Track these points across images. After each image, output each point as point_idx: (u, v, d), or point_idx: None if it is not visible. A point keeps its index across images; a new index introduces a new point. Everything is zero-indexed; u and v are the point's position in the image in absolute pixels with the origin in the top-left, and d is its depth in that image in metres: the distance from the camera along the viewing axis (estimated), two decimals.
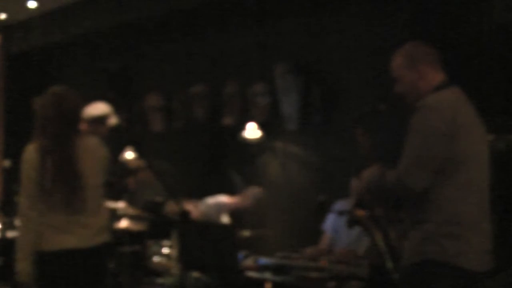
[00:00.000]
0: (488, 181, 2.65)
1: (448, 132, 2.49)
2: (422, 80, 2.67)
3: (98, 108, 4.94)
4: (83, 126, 4.93)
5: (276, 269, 4.00)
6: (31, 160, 3.14)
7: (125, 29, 7.00)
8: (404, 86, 2.71)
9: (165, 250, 4.63)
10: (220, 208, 5.06)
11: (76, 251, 3.09)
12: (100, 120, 4.88)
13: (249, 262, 4.19)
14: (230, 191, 5.26)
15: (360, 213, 3.06)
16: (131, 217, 5.03)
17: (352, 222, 3.15)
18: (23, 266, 3.13)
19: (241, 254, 4.22)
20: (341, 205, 4.47)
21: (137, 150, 5.90)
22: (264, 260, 4.19)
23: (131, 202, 5.13)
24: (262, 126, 5.70)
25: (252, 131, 5.68)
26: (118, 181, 5.07)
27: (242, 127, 5.74)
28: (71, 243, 3.09)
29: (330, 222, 4.63)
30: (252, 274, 4.03)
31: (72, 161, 3.16)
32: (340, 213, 4.11)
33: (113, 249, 3.36)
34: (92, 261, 3.16)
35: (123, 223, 4.98)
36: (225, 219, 5.05)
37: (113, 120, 4.95)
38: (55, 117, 3.23)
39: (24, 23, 8.04)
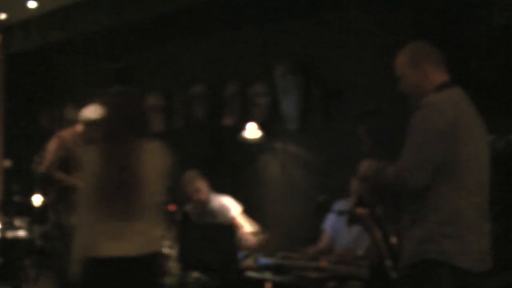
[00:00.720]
0: (488, 181, 2.65)
1: (449, 131, 2.49)
2: (425, 80, 2.68)
3: (94, 112, 4.93)
4: (79, 129, 4.95)
5: (276, 269, 4.00)
6: (93, 163, 2.97)
7: (125, 29, 7.00)
8: (407, 85, 2.72)
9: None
10: (226, 212, 5.05)
11: (129, 259, 2.93)
12: (96, 123, 4.88)
13: (249, 262, 4.19)
14: (230, 191, 5.26)
15: (360, 211, 3.06)
16: None
17: (352, 220, 3.15)
18: (77, 268, 2.93)
19: (241, 254, 4.22)
20: (340, 205, 4.47)
21: None
22: (264, 260, 4.19)
23: None
24: (262, 126, 5.70)
25: (252, 131, 5.68)
26: None
27: (242, 127, 5.74)
28: (125, 251, 2.92)
29: (330, 221, 4.64)
30: (252, 274, 4.03)
31: (135, 166, 2.98)
32: (340, 212, 4.11)
33: (162, 258, 3.22)
34: (143, 270, 2.99)
35: None
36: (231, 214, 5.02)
37: None
38: (117, 119, 3.05)
39: (24, 23, 8.04)
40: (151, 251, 3.00)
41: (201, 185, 5.02)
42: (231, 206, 5.05)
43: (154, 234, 3.04)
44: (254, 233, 4.80)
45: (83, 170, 3.01)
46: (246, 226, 4.93)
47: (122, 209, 2.94)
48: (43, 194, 5.48)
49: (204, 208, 5.03)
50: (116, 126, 3.04)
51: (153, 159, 3.05)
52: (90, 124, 4.89)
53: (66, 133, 4.95)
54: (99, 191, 2.94)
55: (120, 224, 2.93)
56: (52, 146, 4.86)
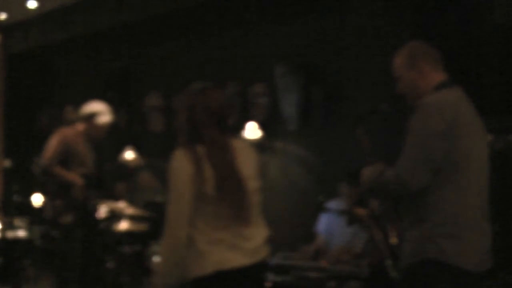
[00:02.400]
0: (487, 181, 2.65)
1: (448, 131, 2.49)
2: (423, 80, 2.67)
3: (91, 106, 4.95)
4: (79, 127, 4.96)
5: (276, 269, 4.01)
6: (185, 169, 2.61)
7: (125, 29, 7.00)
8: (405, 85, 2.72)
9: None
10: None
11: (242, 269, 2.62)
12: (93, 117, 4.89)
13: None
14: None
15: (360, 211, 3.06)
16: (131, 217, 5.04)
17: (352, 220, 3.15)
18: (160, 282, 2.66)
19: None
20: (332, 204, 4.47)
21: (137, 150, 5.91)
22: None
23: (131, 202, 5.14)
24: (262, 126, 5.70)
25: (252, 131, 5.68)
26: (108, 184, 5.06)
27: (242, 127, 5.74)
28: (238, 261, 2.61)
29: (323, 223, 4.63)
30: None
31: (234, 166, 2.69)
32: (337, 212, 4.12)
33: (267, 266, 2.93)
34: (255, 278, 2.71)
35: (123, 224, 4.99)
36: None
37: (107, 118, 4.95)
38: (207, 118, 2.74)
39: (24, 23, 8.04)
40: (260, 258, 2.72)
41: None
42: None
43: (262, 238, 2.75)
44: None
45: (176, 176, 2.65)
46: None
47: (231, 214, 2.64)
48: (43, 190, 5.48)
49: None
50: (205, 125, 2.74)
51: (246, 156, 2.80)
52: (88, 118, 4.90)
53: (67, 131, 4.96)
54: (200, 197, 2.62)
55: (230, 231, 2.64)
56: (53, 141, 4.87)
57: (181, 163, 2.64)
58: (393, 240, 2.95)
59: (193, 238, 2.61)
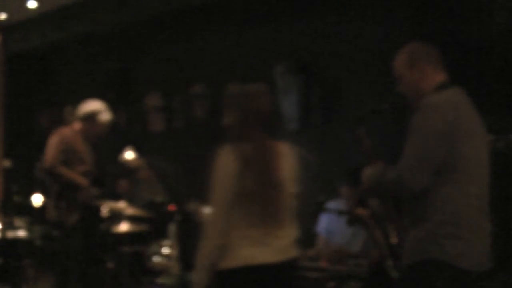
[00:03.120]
0: (488, 181, 2.65)
1: (449, 132, 2.50)
2: (423, 80, 2.68)
3: (89, 105, 4.95)
4: (77, 126, 4.96)
5: None
6: (231, 166, 2.71)
7: (125, 29, 7.00)
8: (406, 85, 2.72)
9: (165, 250, 4.63)
10: None
11: (271, 266, 2.72)
12: (92, 116, 4.89)
13: None
14: None
15: (361, 211, 3.06)
16: (131, 217, 5.04)
17: (353, 220, 3.15)
18: (200, 276, 2.73)
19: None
20: (332, 205, 4.47)
21: (137, 150, 5.91)
22: None
23: (131, 202, 5.14)
24: None
25: None
26: (110, 182, 5.06)
27: None
28: (267, 258, 2.71)
29: (323, 223, 4.64)
30: None
31: (275, 168, 2.81)
32: (337, 212, 4.12)
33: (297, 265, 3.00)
34: (283, 277, 2.79)
35: (124, 224, 4.99)
36: None
37: (105, 116, 4.95)
38: (258, 120, 2.83)
39: (24, 23, 8.04)
40: (290, 257, 2.82)
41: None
42: None
43: (292, 239, 2.87)
44: None
45: (221, 173, 2.74)
46: None
47: (264, 214, 2.73)
48: (45, 191, 5.48)
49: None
50: (253, 126, 2.82)
51: (287, 160, 2.91)
52: (87, 117, 4.90)
53: (66, 130, 4.97)
54: (240, 195, 2.71)
55: (262, 230, 2.74)
56: (52, 141, 4.87)
57: (227, 161, 2.73)
58: (394, 240, 2.96)
59: (228, 232, 2.71)
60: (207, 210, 4.99)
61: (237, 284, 2.72)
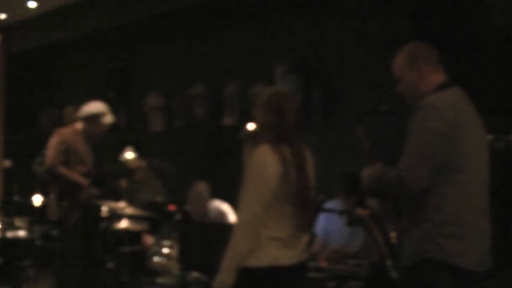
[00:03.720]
0: (487, 181, 2.65)
1: (448, 132, 2.50)
2: (423, 81, 2.68)
3: (92, 106, 4.96)
4: (78, 126, 4.97)
5: None
6: (274, 167, 2.70)
7: (125, 29, 7.00)
8: (405, 86, 2.72)
9: (165, 250, 4.63)
10: (223, 217, 5.05)
11: (292, 268, 2.77)
12: (94, 118, 4.90)
13: None
14: (230, 191, 5.25)
15: (361, 212, 3.06)
16: (131, 217, 5.04)
17: (353, 221, 3.15)
18: (227, 276, 2.70)
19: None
20: (331, 204, 4.47)
21: (137, 150, 5.91)
22: None
23: (131, 202, 5.14)
24: None
25: None
26: (110, 181, 5.05)
27: (242, 127, 5.73)
28: (290, 259, 2.75)
29: (321, 224, 4.64)
30: None
31: (307, 171, 2.82)
32: (335, 212, 4.12)
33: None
34: (299, 278, 2.85)
35: (123, 223, 4.99)
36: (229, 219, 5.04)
37: (108, 119, 4.96)
38: (294, 120, 2.86)
39: (24, 23, 8.04)
40: (304, 259, 2.87)
41: (205, 199, 5.03)
42: (229, 212, 5.04)
43: (305, 241, 2.88)
44: None
45: (259, 173, 2.72)
46: None
47: (299, 216, 2.76)
48: (46, 191, 5.48)
49: (202, 218, 5.03)
50: (292, 129, 2.85)
51: (310, 163, 2.91)
52: (89, 119, 4.90)
53: (66, 130, 4.97)
54: (283, 198, 2.72)
55: (289, 232, 2.76)
56: (53, 142, 4.87)
57: (270, 161, 2.71)
58: (393, 240, 2.96)
59: (258, 231, 2.71)
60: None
61: (261, 283, 2.73)
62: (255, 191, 2.71)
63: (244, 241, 2.70)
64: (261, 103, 2.91)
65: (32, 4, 7.27)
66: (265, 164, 2.71)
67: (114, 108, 5.42)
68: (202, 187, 5.07)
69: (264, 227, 2.71)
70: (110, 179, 5.08)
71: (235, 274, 2.69)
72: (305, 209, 2.78)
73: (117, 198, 5.09)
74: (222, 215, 5.04)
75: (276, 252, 2.72)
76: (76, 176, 4.81)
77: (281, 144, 2.78)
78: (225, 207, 5.08)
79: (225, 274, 2.69)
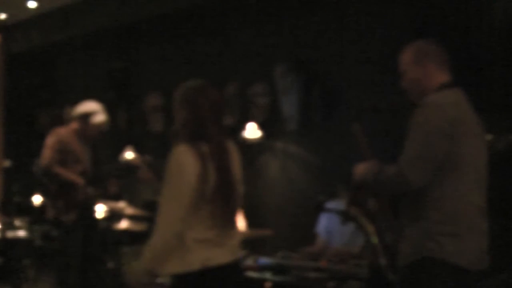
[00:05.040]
0: (486, 181, 2.66)
1: (449, 130, 2.50)
2: (427, 78, 2.69)
3: (84, 106, 4.95)
4: (74, 126, 4.97)
5: (276, 269, 4.01)
6: (191, 166, 2.58)
7: (125, 29, 7.00)
8: (409, 82, 2.73)
9: None
10: None
11: (225, 266, 2.68)
12: (86, 117, 4.89)
13: (249, 262, 4.19)
14: None
15: (355, 210, 3.05)
16: (131, 217, 5.04)
17: (347, 219, 3.14)
18: (139, 269, 2.65)
19: (241, 254, 4.21)
20: (332, 205, 4.47)
21: (137, 150, 5.91)
22: (264, 260, 4.19)
23: (131, 202, 5.14)
24: (262, 126, 5.70)
25: (252, 131, 5.68)
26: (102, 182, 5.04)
27: (242, 127, 5.74)
28: (222, 258, 2.67)
29: (322, 224, 4.64)
30: (252, 274, 4.03)
31: (230, 167, 2.71)
32: (336, 212, 4.11)
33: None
34: (236, 274, 2.80)
35: (123, 223, 4.99)
36: None
37: (99, 118, 4.94)
38: (211, 115, 2.70)
39: (24, 23, 8.04)
40: (238, 256, 2.80)
41: None
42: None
43: (239, 238, 2.81)
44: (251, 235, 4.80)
45: (180, 174, 2.60)
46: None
47: (220, 214, 2.66)
48: (44, 191, 5.48)
49: None
50: (211, 124, 2.69)
51: (236, 159, 2.79)
52: (81, 117, 4.90)
53: (62, 130, 4.97)
54: (204, 197, 2.61)
55: (217, 230, 2.66)
56: (49, 141, 4.87)
57: (186, 161, 2.60)
58: (388, 238, 2.95)
59: (182, 233, 2.61)
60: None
61: (195, 286, 2.65)
62: (174, 192, 2.61)
63: (163, 243, 2.61)
64: (176, 100, 2.76)
65: (32, 4, 7.27)
66: (182, 164, 2.59)
67: (114, 108, 5.42)
68: None
69: (189, 229, 2.61)
70: (109, 180, 5.08)
71: (151, 275, 2.64)
72: (229, 206, 2.68)
73: (115, 199, 5.09)
74: None
75: (206, 253, 2.62)
76: (71, 175, 4.81)
77: (198, 141, 2.65)
78: None
79: (139, 266, 2.64)
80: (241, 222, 4.91)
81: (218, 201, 2.64)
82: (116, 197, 5.14)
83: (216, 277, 2.65)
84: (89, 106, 4.95)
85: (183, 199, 2.59)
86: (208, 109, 2.69)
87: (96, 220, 4.99)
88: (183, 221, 2.59)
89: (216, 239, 2.66)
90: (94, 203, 4.92)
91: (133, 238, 5.07)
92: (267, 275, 3.97)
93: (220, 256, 2.66)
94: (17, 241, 5.83)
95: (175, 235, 2.59)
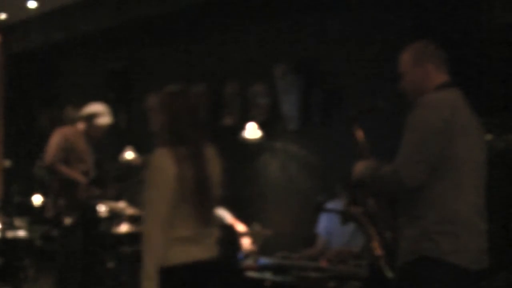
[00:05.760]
0: (484, 181, 2.66)
1: (445, 130, 2.51)
2: (426, 79, 2.69)
3: (91, 107, 4.99)
4: (80, 126, 4.98)
5: (276, 269, 4.01)
6: (169, 168, 2.73)
7: (125, 29, 7.00)
8: (408, 82, 2.74)
9: None
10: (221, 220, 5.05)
11: (203, 262, 2.85)
12: (91, 118, 4.91)
13: (249, 262, 4.19)
14: (230, 191, 5.25)
15: (354, 209, 3.05)
16: (131, 217, 5.04)
17: (347, 218, 3.14)
18: (150, 283, 2.71)
19: (241, 254, 4.22)
20: (331, 205, 4.48)
21: (137, 150, 5.91)
22: (264, 260, 4.19)
23: (131, 202, 5.14)
24: (262, 126, 5.70)
25: (252, 131, 5.69)
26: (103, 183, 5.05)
27: (242, 127, 5.74)
28: (200, 255, 2.83)
29: (323, 224, 4.64)
30: (252, 274, 4.04)
31: (208, 170, 2.85)
32: (336, 212, 4.12)
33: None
34: (214, 271, 2.93)
35: (124, 224, 4.99)
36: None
37: (104, 120, 4.97)
38: (189, 118, 2.87)
39: (24, 23, 8.04)
40: (216, 254, 2.93)
41: None
42: (226, 215, 5.04)
43: (216, 237, 2.96)
44: (251, 235, 4.80)
45: (159, 176, 2.76)
46: (243, 230, 4.93)
47: (198, 214, 2.80)
48: (45, 190, 5.47)
49: None
50: (189, 128, 2.84)
51: (214, 162, 2.94)
52: (87, 119, 4.92)
53: (67, 129, 4.99)
54: (182, 197, 2.75)
55: (194, 229, 2.81)
56: (53, 139, 4.89)
57: (164, 163, 2.74)
58: (388, 238, 2.95)
59: (165, 234, 2.75)
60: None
61: (176, 281, 2.78)
62: (156, 193, 2.75)
63: (155, 243, 2.73)
64: (154, 104, 2.93)
65: (32, 4, 7.27)
66: (161, 167, 2.74)
67: (114, 108, 5.42)
68: None
69: (170, 228, 2.75)
70: (110, 180, 5.08)
71: (158, 277, 2.71)
72: (205, 207, 2.82)
73: (111, 198, 5.10)
74: (221, 214, 5.04)
75: (184, 250, 2.78)
76: (74, 173, 4.82)
77: (177, 145, 2.79)
78: (221, 211, 5.08)
79: (148, 281, 2.70)
80: (240, 226, 4.92)
81: (196, 201, 2.78)
82: (116, 198, 5.14)
83: (195, 273, 2.81)
84: (96, 107, 4.99)
85: (165, 199, 2.73)
86: (186, 113, 2.85)
87: (97, 220, 4.99)
88: (166, 219, 2.74)
89: (195, 237, 2.80)
90: (95, 203, 4.93)
91: (133, 238, 5.07)
92: (267, 275, 3.97)
93: (198, 252, 2.81)
94: (17, 241, 5.82)
95: (162, 232, 2.73)
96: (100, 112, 4.97)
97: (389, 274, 2.81)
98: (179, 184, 2.73)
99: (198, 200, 2.79)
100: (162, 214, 2.73)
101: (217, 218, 4.60)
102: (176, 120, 2.84)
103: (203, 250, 2.84)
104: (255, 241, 4.80)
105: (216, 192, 2.91)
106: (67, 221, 4.78)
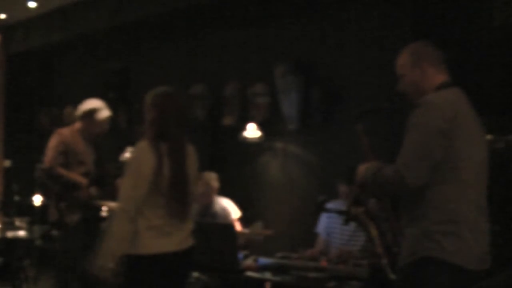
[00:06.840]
0: (486, 181, 2.66)
1: (448, 129, 2.50)
2: (425, 80, 2.69)
3: (87, 104, 4.95)
4: (77, 126, 4.97)
5: (276, 269, 4.01)
6: (149, 161, 2.98)
7: (125, 29, 7.01)
8: (407, 84, 2.73)
9: None
10: (226, 215, 5.06)
11: (174, 254, 3.05)
12: (90, 114, 4.88)
13: (249, 262, 4.19)
14: (230, 191, 5.27)
15: (356, 210, 3.05)
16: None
17: (349, 219, 3.14)
18: (105, 261, 2.94)
19: (241, 254, 4.22)
20: (331, 205, 4.48)
21: None
22: (264, 260, 4.19)
23: None
24: (262, 126, 5.70)
25: (252, 131, 5.69)
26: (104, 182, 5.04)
27: (242, 127, 5.74)
28: (171, 247, 3.03)
29: (322, 224, 4.64)
30: (252, 274, 4.04)
31: (185, 166, 3.10)
32: (337, 212, 4.12)
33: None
34: (183, 263, 3.14)
35: None
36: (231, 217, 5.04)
37: (104, 113, 4.93)
38: (175, 119, 3.12)
39: (24, 23, 8.05)
40: (188, 246, 3.12)
41: (212, 189, 5.06)
42: (232, 210, 5.06)
43: (189, 231, 3.16)
44: (253, 234, 4.80)
45: (138, 167, 3.00)
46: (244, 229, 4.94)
47: (173, 208, 3.01)
48: (45, 192, 5.47)
49: (207, 210, 5.04)
50: (172, 126, 3.09)
51: (192, 159, 3.19)
52: (85, 115, 4.89)
53: (65, 131, 4.97)
54: (154, 189, 2.97)
55: (168, 221, 3.02)
56: (52, 142, 4.87)
57: (145, 156, 2.99)
58: (389, 239, 2.95)
59: (136, 221, 2.97)
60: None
61: (145, 269, 2.97)
62: (132, 183, 2.97)
63: (121, 227, 2.95)
64: (146, 103, 3.19)
65: (32, 4, 7.27)
66: (141, 158, 2.99)
67: (114, 108, 5.41)
68: (210, 176, 5.07)
69: (143, 217, 2.97)
70: (110, 182, 5.07)
71: (116, 260, 2.92)
72: (179, 200, 3.03)
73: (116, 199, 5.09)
74: (225, 210, 5.04)
75: (153, 241, 2.98)
76: (74, 176, 4.81)
77: (159, 140, 3.04)
78: (229, 204, 5.09)
79: (103, 258, 2.93)
80: (238, 226, 4.93)
81: (171, 194, 3.01)
82: (116, 198, 5.13)
83: (166, 263, 2.99)
84: (92, 103, 4.94)
85: (139, 189, 2.96)
86: (173, 112, 3.11)
87: (98, 220, 4.99)
88: (137, 208, 2.96)
89: (166, 228, 3.01)
90: (97, 204, 4.92)
91: None
92: (267, 275, 3.97)
93: (167, 244, 3.01)
94: (17, 241, 5.82)
95: (130, 219, 2.94)
96: (97, 107, 4.92)
97: (391, 275, 2.81)
98: (156, 177, 2.95)
99: (173, 194, 3.00)
100: (133, 201, 2.94)
101: (219, 213, 4.67)
102: (162, 119, 3.09)
103: (173, 242, 3.02)
104: (255, 241, 4.80)
105: (192, 188, 3.12)
106: (70, 222, 4.77)
